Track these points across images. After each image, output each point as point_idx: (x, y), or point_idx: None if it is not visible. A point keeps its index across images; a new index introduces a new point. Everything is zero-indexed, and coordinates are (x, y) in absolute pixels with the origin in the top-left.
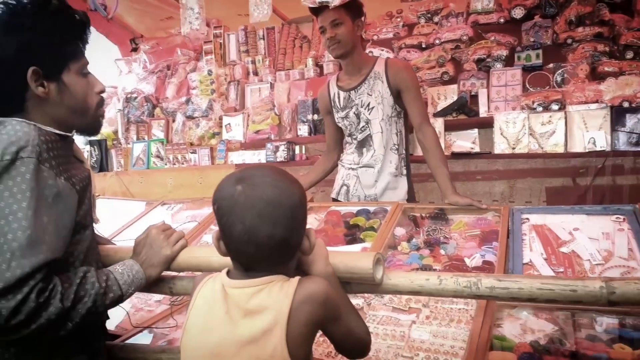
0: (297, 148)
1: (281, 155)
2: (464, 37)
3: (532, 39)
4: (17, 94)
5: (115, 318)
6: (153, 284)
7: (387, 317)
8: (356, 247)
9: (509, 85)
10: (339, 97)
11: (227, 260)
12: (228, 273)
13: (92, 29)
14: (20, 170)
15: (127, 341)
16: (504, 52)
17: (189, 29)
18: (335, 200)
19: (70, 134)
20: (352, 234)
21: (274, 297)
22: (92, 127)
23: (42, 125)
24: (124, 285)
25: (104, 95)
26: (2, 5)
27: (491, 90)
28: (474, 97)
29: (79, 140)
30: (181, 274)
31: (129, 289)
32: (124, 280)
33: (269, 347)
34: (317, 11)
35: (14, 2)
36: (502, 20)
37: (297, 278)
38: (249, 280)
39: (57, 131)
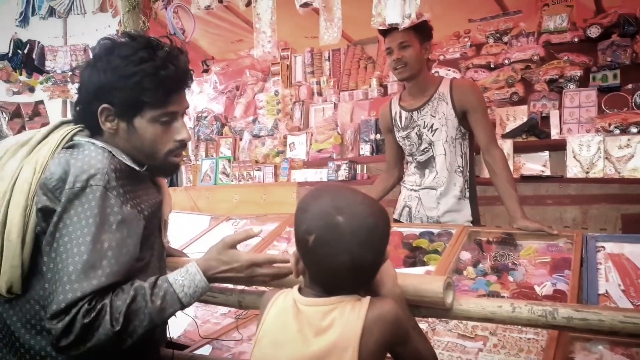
0: (358, 167)
1: (342, 174)
2: (535, 57)
3: (609, 59)
4: (95, 121)
5: (182, 328)
6: (223, 300)
7: (452, 343)
8: (419, 270)
9: (583, 107)
10: (400, 117)
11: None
12: (300, 290)
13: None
14: (88, 198)
15: (194, 352)
16: (578, 73)
17: (261, 51)
18: (396, 221)
19: (140, 169)
20: (414, 256)
21: (347, 316)
22: (160, 169)
23: (119, 152)
24: (184, 298)
25: (185, 142)
26: (103, 40)
27: (564, 111)
28: (545, 119)
29: None
30: (250, 288)
31: (191, 300)
32: (184, 293)
33: None
34: (385, 32)
35: (110, 42)
36: (576, 39)
37: (368, 298)
38: (322, 299)
39: (130, 163)
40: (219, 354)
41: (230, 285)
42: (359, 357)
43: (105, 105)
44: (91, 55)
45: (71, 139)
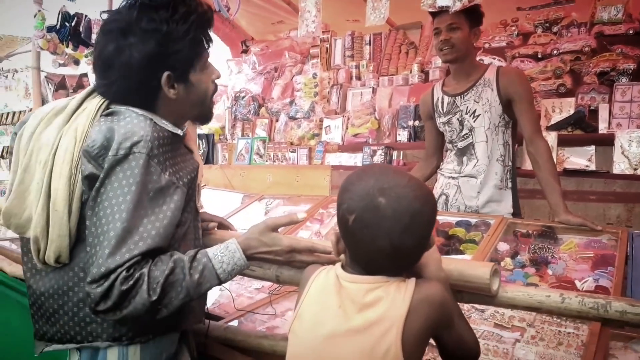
0: (394, 153)
1: (378, 159)
2: (586, 49)
3: None
4: (150, 95)
5: (217, 300)
6: (260, 273)
7: (488, 332)
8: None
9: (635, 102)
10: (442, 102)
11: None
12: (342, 267)
13: None
14: (131, 165)
15: (229, 324)
16: (632, 66)
17: (305, 31)
18: None
19: (182, 130)
20: (450, 244)
21: (392, 296)
22: (205, 115)
23: (159, 119)
24: (222, 274)
25: (218, 81)
26: (138, 9)
27: (614, 105)
28: (593, 112)
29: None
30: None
31: (228, 277)
32: (222, 270)
33: (383, 344)
34: (435, 12)
35: (149, 4)
36: (631, 31)
37: (413, 279)
38: (367, 277)
39: (171, 128)
40: (252, 327)
41: None
42: (403, 336)
43: (167, 72)
44: (107, 29)
45: (108, 107)
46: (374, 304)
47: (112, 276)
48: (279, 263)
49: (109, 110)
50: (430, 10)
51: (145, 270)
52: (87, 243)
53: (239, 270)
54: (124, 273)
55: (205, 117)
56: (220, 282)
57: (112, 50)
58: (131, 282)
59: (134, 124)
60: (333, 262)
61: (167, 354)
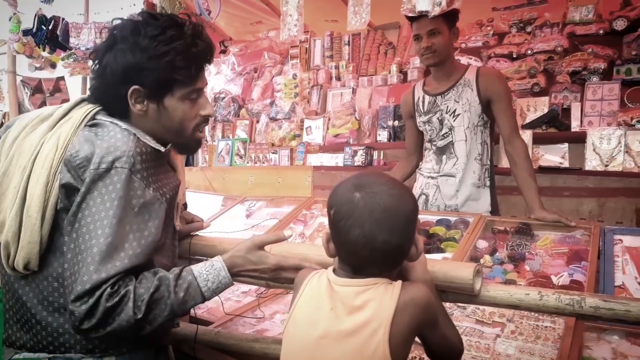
0: (375, 153)
1: (359, 159)
2: (559, 48)
3: (634, 52)
4: (121, 103)
5: (207, 304)
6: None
7: (470, 328)
8: (436, 257)
9: (605, 100)
10: (423, 101)
11: (324, 258)
12: (334, 271)
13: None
14: (113, 180)
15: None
16: (602, 65)
17: (287, 35)
18: None
19: (164, 148)
20: (431, 243)
21: (379, 298)
22: (186, 146)
23: (142, 134)
24: (207, 292)
25: (209, 117)
26: (122, 21)
27: (585, 104)
28: (566, 111)
29: None
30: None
31: (212, 294)
32: (207, 288)
33: (372, 344)
34: (413, 18)
35: (138, 20)
36: (601, 31)
37: (400, 282)
38: (356, 279)
39: (154, 144)
40: (241, 331)
41: None
42: (390, 336)
43: (135, 86)
44: (108, 36)
45: (93, 118)
46: (363, 307)
47: (97, 293)
48: (265, 279)
49: (94, 121)
50: (410, 15)
51: (130, 287)
52: (67, 260)
53: (224, 288)
54: (108, 289)
55: (185, 147)
56: (204, 299)
57: (103, 50)
58: (116, 299)
59: (117, 139)
60: (325, 266)
61: None
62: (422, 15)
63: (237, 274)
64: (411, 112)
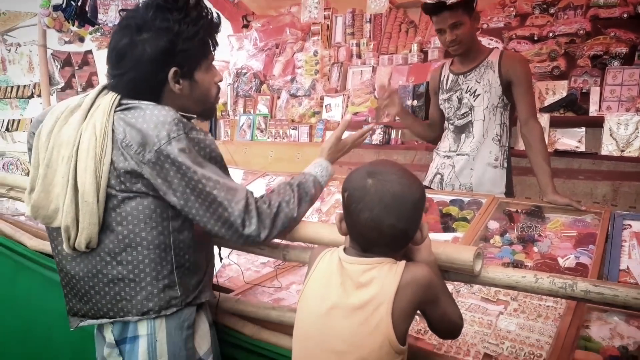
0: (393, 132)
1: (377, 138)
2: (581, 32)
3: None
4: (157, 87)
5: (228, 273)
6: (268, 252)
7: (475, 305)
8: (447, 236)
9: (625, 85)
10: (447, 79)
11: (336, 236)
12: (345, 250)
13: (209, 4)
14: (177, 148)
15: (238, 297)
16: (624, 50)
17: (307, 17)
18: (427, 187)
19: (193, 117)
20: (444, 222)
21: (384, 275)
22: (208, 112)
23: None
24: (323, 183)
25: (220, 56)
26: (154, 9)
27: (605, 88)
28: (585, 95)
29: None
30: (293, 243)
31: (325, 184)
32: (324, 181)
33: (375, 318)
34: (432, 12)
35: (164, 6)
36: (625, 15)
37: (404, 262)
38: (363, 258)
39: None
40: (259, 299)
41: (277, 240)
42: (392, 311)
43: (174, 68)
44: (125, 24)
45: (120, 103)
46: (369, 283)
47: (252, 208)
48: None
49: (127, 105)
50: (429, 1)
51: (272, 195)
52: (204, 221)
53: (329, 177)
54: (258, 202)
55: (209, 112)
56: (322, 189)
57: (127, 43)
58: (269, 203)
59: (159, 114)
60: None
61: (188, 322)
62: (441, 9)
63: (333, 161)
64: (436, 89)
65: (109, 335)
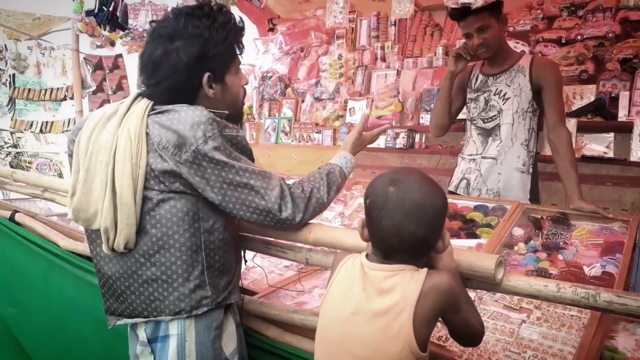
0: (417, 136)
1: (401, 142)
2: (610, 35)
3: None
4: (192, 93)
5: (252, 276)
6: (292, 256)
7: (497, 313)
8: (471, 242)
9: None
10: (476, 79)
11: (357, 242)
12: (367, 256)
13: (236, 9)
14: (213, 146)
15: (262, 299)
16: None
17: (333, 22)
18: (452, 193)
19: (225, 112)
20: (468, 228)
21: (406, 282)
22: (239, 116)
23: None
24: (347, 174)
25: (247, 61)
26: (184, 18)
27: (634, 93)
28: (614, 99)
29: None
30: (316, 247)
31: (349, 174)
32: (347, 172)
33: (397, 324)
34: (459, 17)
35: (193, 14)
36: None
37: (425, 269)
38: (385, 265)
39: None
40: (283, 302)
41: (299, 244)
42: (414, 318)
43: (208, 73)
44: (157, 34)
45: (153, 108)
46: (391, 290)
47: (287, 194)
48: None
49: (160, 109)
50: (454, 6)
51: (304, 182)
52: (247, 215)
53: (352, 168)
54: (291, 188)
55: (238, 116)
56: (346, 178)
57: (161, 52)
58: (302, 189)
59: (193, 115)
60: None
61: (217, 323)
62: (467, 14)
63: (355, 154)
64: (464, 84)
65: (142, 334)
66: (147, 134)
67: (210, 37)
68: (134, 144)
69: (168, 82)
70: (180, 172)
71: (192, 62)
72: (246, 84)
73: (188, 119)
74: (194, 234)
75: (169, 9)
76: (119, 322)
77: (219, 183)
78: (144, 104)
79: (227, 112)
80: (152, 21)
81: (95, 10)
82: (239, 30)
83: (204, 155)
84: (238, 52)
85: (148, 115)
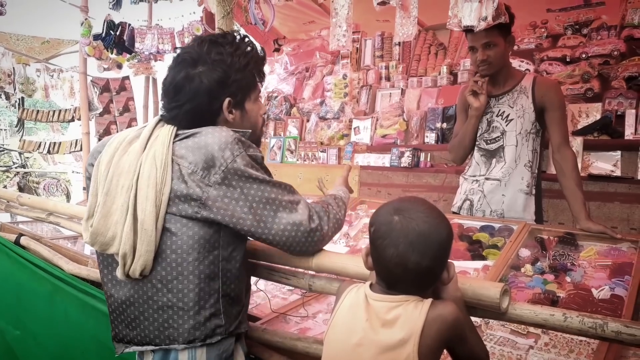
0: (422, 155)
1: (406, 161)
2: (615, 52)
3: None
4: (212, 117)
5: (256, 300)
6: (295, 282)
7: (504, 338)
8: (477, 264)
9: None
10: None
11: (361, 269)
12: (371, 286)
13: (240, 27)
14: (242, 166)
15: (265, 325)
16: None
17: (336, 45)
18: (455, 213)
19: (248, 131)
20: (474, 249)
21: (409, 313)
22: (257, 142)
23: None
24: (347, 202)
25: (265, 116)
26: (207, 44)
27: None
28: (620, 118)
29: None
30: (319, 274)
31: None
32: (346, 200)
33: (402, 355)
34: (468, 29)
35: (216, 41)
36: None
37: (430, 300)
38: (389, 295)
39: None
40: (286, 328)
41: (301, 270)
42: (419, 350)
43: (228, 98)
44: (181, 59)
45: (176, 134)
46: (395, 321)
47: (315, 217)
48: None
49: (185, 134)
50: (456, 29)
51: (324, 211)
52: (271, 241)
53: (348, 202)
54: (314, 211)
55: (257, 143)
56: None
57: (183, 76)
58: (324, 210)
59: (220, 136)
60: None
61: (227, 353)
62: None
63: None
64: (466, 107)
65: None
66: (172, 160)
67: (232, 63)
68: (159, 171)
69: (189, 105)
70: (206, 198)
71: (213, 86)
72: (265, 113)
73: (216, 140)
74: (212, 262)
75: (175, 32)
76: (127, 349)
77: (249, 202)
78: (168, 129)
79: (250, 130)
80: (176, 47)
81: (103, 35)
82: (261, 59)
83: (234, 172)
84: (258, 80)
85: (173, 142)
